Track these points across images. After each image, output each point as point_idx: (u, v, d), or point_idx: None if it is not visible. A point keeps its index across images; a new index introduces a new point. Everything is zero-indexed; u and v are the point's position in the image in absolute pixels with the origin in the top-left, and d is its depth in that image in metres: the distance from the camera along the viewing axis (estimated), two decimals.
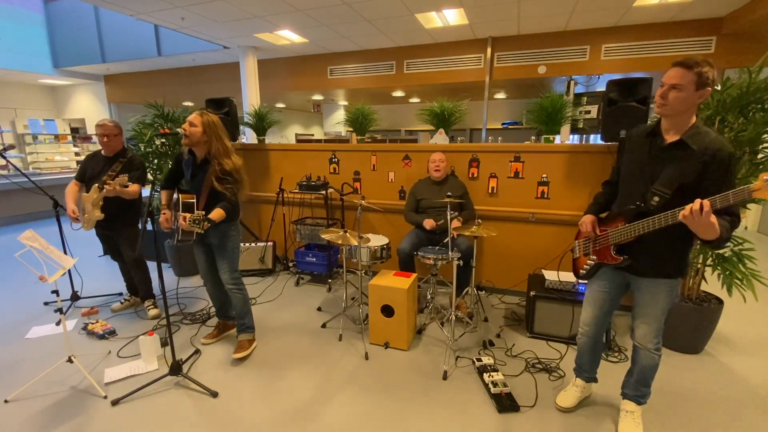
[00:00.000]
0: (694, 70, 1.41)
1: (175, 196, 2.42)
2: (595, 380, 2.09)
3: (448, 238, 2.59)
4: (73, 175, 3.05)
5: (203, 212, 2.09)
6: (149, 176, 3.68)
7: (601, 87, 4.88)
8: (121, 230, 2.93)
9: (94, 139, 8.97)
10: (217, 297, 2.70)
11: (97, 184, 2.73)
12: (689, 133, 1.50)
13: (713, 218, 1.31)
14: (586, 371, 2.05)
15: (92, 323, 2.86)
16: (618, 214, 1.71)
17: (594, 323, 1.90)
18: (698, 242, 1.65)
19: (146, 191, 2.90)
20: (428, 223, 3.03)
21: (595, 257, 1.80)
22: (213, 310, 2.91)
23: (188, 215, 2.08)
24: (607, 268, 1.80)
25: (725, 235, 1.38)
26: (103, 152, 2.90)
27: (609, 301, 1.85)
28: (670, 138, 1.55)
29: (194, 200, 2.26)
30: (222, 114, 3.67)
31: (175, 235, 2.35)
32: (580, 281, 2.56)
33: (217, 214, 2.20)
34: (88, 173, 2.88)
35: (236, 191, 2.32)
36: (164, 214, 2.39)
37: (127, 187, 2.69)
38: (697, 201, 1.31)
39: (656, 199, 1.51)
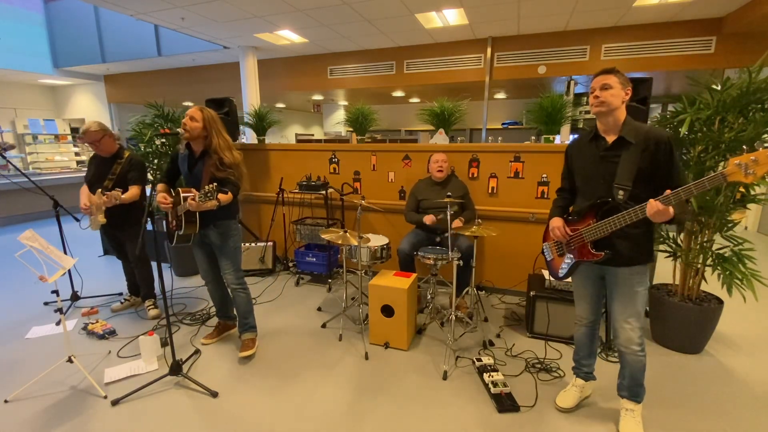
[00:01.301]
0: (614, 73, 1.66)
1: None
2: (594, 378, 2.10)
3: (449, 237, 2.59)
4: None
5: (214, 184, 2.04)
6: (150, 176, 3.68)
7: None
8: (126, 228, 2.94)
9: None
10: (218, 297, 2.70)
11: (100, 190, 2.75)
12: (625, 130, 1.67)
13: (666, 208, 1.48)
14: (585, 365, 2.06)
15: (92, 323, 2.86)
16: (587, 212, 1.76)
17: (590, 313, 1.97)
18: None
19: (147, 191, 2.90)
20: (429, 219, 3.03)
21: (572, 256, 1.85)
22: (213, 310, 2.92)
23: (197, 194, 2.05)
24: (584, 264, 1.85)
25: (678, 213, 1.51)
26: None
27: (596, 293, 1.93)
28: (611, 138, 1.71)
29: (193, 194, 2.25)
30: (222, 114, 3.67)
31: (174, 236, 2.35)
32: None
33: (224, 196, 2.20)
34: (90, 175, 2.89)
35: (238, 176, 2.32)
36: (162, 196, 2.30)
37: (123, 194, 2.71)
38: (655, 202, 1.47)
39: (621, 193, 1.65)
